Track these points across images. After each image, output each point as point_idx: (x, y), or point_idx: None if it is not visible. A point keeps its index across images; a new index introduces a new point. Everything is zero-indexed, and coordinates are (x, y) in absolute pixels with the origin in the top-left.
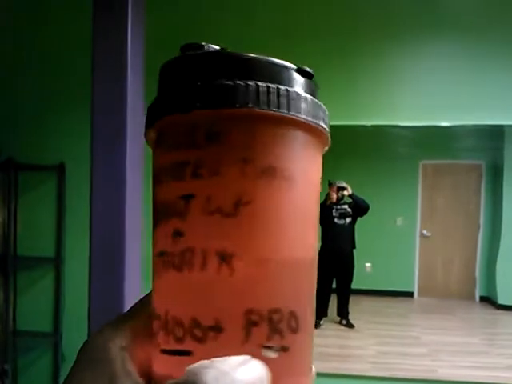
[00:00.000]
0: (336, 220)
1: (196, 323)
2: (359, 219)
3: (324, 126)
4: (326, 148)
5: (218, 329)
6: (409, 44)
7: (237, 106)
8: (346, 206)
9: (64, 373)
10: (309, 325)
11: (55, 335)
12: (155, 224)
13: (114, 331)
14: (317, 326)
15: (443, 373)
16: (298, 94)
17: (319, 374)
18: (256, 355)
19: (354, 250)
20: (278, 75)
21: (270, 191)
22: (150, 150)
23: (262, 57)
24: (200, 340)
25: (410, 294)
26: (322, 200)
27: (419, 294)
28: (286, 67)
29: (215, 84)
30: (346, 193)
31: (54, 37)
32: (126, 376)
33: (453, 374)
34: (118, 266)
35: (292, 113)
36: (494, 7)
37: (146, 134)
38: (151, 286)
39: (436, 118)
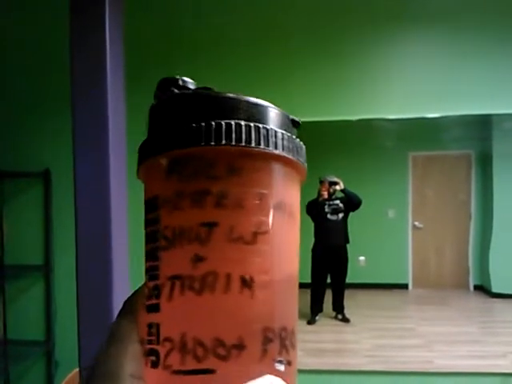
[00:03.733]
0: (329, 216)
1: (220, 342)
2: (351, 213)
3: (306, 166)
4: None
5: (240, 346)
6: (394, 37)
7: (258, 146)
8: (338, 202)
9: (58, 380)
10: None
11: (47, 343)
12: (162, 249)
13: (121, 355)
14: (313, 321)
15: (440, 363)
16: (299, 141)
17: (316, 371)
18: (270, 369)
19: (348, 245)
20: (283, 124)
21: (281, 223)
22: (133, 154)
23: (268, 104)
24: (224, 358)
25: (404, 286)
26: (314, 197)
27: (414, 286)
28: (288, 116)
29: (237, 123)
30: (338, 187)
31: (36, 41)
32: None
33: (449, 364)
34: (106, 271)
35: (297, 157)
36: None
37: (146, 162)
38: (148, 310)
39: (423, 109)
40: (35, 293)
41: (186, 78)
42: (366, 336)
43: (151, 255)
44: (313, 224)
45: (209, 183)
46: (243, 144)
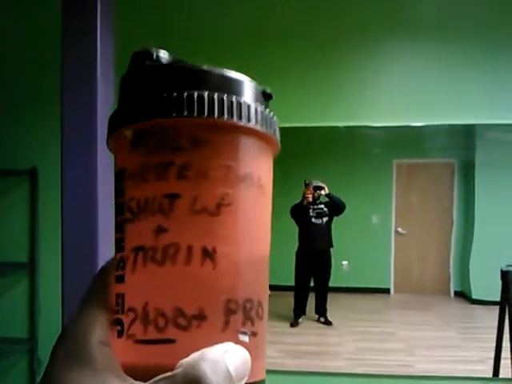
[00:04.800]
0: (313, 220)
1: (180, 312)
2: (335, 218)
3: (279, 139)
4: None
5: (201, 317)
6: (382, 47)
7: (222, 117)
8: (322, 206)
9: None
10: (266, 313)
11: (31, 341)
12: (127, 221)
13: (91, 322)
14: (295, 324)
15: (420, 368)
16: (270, 113)
17: (298, 372)
18: (233, 340)
19: (331, 249)
20: (252, 95)
21: (248, 195)
22: None
23: (238, 75)
24: (184, 328)
25: (386, 291)
26: (299, 200)
27: (395, 291)
28: (259, 88)
29: (199, 94)
30: (322, 192)
31: (24, 38)
32: (120, 382)
33: (429, 368)
34: (91, 270)
35: (267, 129)
36: (464, 7)
37: (114, 133)
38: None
39: (409, 118)
40: (19, 290)
41: (160, 51)
42: (348, 339)
43: (118, 227)
44: (297, 228)
45: (173, 155)
46: (205, 115)
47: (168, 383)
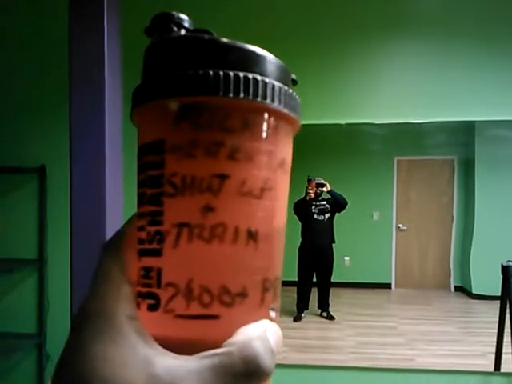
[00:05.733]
0: (316, 216)
1: (225, 290)
2: (337, 214)
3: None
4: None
5: (244, 295)
6: (381, 43)
7: (273, 102)
8: (324, 202)
9: (49, 373)
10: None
11: (39, 336)
12: (167, 195)
13: (116, 297)
14: (298, 318)
15: (421, 361)
16: (298, 99)
17: (301, 366)
18: (266, 316)
19: (333, 245)
20: (289, 82)
21: (282, 180)
22: (129, 152)
23: (278, 60)
24: (228, 305)
25: (387, 286)
26: (302, 197)
27: (396, 286)
28: (290, 73)
29: (254, 78)
30: (324, 189)
31: (30, 36)
32: (164, 355)
33: (430, 362)
34: None
35: (299, 116)
36: (463, 5)
37: (149, 103)
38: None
39: (409, 115)
40: (28, 286)
41: (182, 16)
42: (349, 333)
43: (153, 200)
44: (300, 224)
45: (223, 135)
46: (259, 100)
47: (224, 360)
